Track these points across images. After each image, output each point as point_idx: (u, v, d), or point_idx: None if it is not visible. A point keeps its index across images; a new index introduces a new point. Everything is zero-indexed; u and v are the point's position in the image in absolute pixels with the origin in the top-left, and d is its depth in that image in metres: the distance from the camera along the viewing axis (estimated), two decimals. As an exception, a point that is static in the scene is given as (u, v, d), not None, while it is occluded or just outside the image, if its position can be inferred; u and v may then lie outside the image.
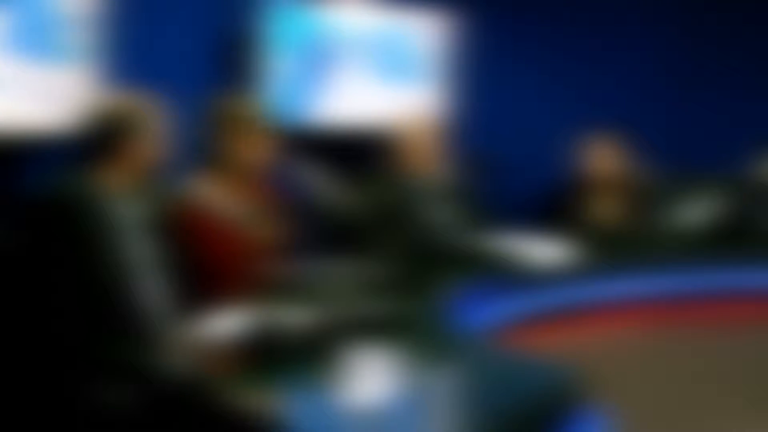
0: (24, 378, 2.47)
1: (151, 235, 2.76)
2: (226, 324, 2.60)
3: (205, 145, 3.21)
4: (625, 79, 5.47)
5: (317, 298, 2.96)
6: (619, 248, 4.51)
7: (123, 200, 2.72)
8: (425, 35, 4.79)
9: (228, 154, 3.18)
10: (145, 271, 2.66)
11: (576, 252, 4.06)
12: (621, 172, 4.95)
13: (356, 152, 4.44)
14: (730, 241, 4.75)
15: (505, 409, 2.28)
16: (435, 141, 4.25)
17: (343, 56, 4.50)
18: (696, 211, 4.95)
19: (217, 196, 3.18)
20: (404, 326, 2.85)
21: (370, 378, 2.31)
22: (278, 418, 2.13)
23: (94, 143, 2.77)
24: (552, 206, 4.88)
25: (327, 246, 3.85)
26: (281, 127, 3.97)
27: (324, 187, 4.25)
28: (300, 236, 3.46)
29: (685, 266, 4.34)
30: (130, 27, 3.70)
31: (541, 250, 3.96)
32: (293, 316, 2.67)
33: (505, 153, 5.02)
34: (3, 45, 3.33)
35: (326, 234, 4.04)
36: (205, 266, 3.01)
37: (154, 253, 2.73)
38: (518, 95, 5.19)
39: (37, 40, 3.43)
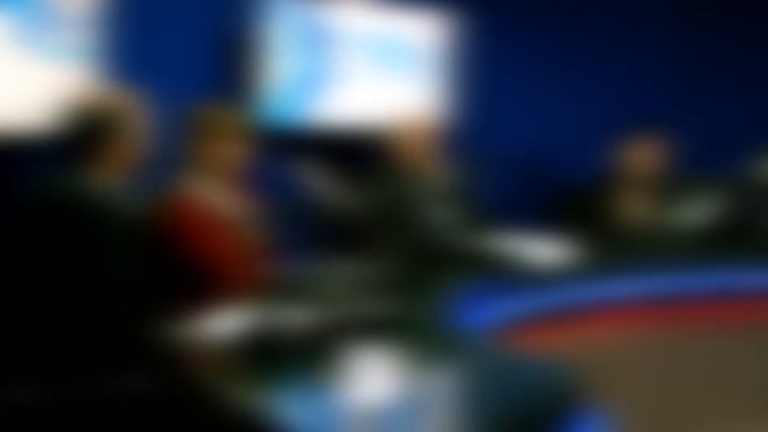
0: (24, 377, 2.47)
1: (146, 234, 2.76)
2: (225, 324, 2.60)
3: (189, 148, 3.23)
4: (625, 78, 5.48)
5: (317, 298, 2.96)
6: (623, 248, 4.51)
7: (113, 199, 2.72)
8: (425, 35, 4.78)
9: (206, 159, 3.20)
10: (140, 270, 2.66)
11: (578, 252, 4.05)
12: (651, 169, 4.96)
13: (356, 152, 4.44)
14: (730, 241, 4.75)
15: (505, 409, 2.28)
16: (434, 141, 4.25)
17: (343, 56, 4.50)
18: (696, 211, 4.94)
19: (216, 197, 3.18)
20: (404, 326, 2.85)
21: (370, 378, 2.31)
22: (278, 418, 2.13)
23: (77, 141, 2.77)
24: (558, 205, 4.87)
25: (327, 246, 3.85)
26: (280, 127, 3.98)
27: (324, 187, 4.25)
28: (300, 236, 3.46)
29: (685, 266, 4.33)
30: (128, 27, 3.70)
31: (541, 250, 3.96)
32: (293, 316, 2.67)
33: (507, 154, 5.02)
34: (1, 44, 3.33)
35: (326, 234, 4.04)
36: (205, 266, 3.01)
37: (148, 252, 2.73)
38: (518, 95, 5.19)
39: (35, 39, 3.43)
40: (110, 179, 2.77)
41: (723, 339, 4.00)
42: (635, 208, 4.91)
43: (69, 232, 2.63)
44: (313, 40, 4.40)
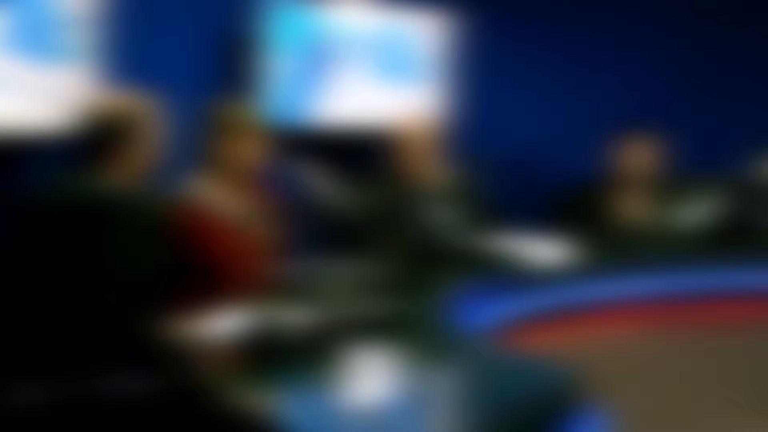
0: (27, 377, 2.47)
1: (151, 235, 2.76)
2: (226, 324, 2.60)
3: (203, 147, 3.23)
4: (625, 79, 5.47)
5: (317, 298, 2.96)
6: (623, 248, 4.51)
7: (122, 200, 2.73)
8: (426, 35, 4.78)
9: (224, 157, 3.20)
10: (145, 270, 2.66)
11: (578, 252, 4.05)
12: (650, 169, 4.96)
13: (356, 153, 4.44)
14: (730, 241, 4.75)
15: (505, 409, 2.28)
16: (435, 141, 4.25)
17: (344, 56, 4.50)
18: (696, 211, 4.94)
19: (217, 197, 3.18)
20: (404, 326, 2.85)
21: (370, 378, 2.31)
22: (278, 418, 2.13)
23: (93, 143, 2.77)
24: (557, 206, 4.87)
25: (327, 246, 3.85)
26: (280, 127, 3.98)
27: (324, 187, 4.25)
28: (300, 236, 3.46)
29: (685, 266, 4.33)
30: (129, 27, 3.70)
31: (541, 250, 3.96)
32: (293, 316, 2.67)
33: (507, 154, 5.02)
34: (3, 45, 3.33)
35: (326, 234, 4.04)
36: (206, 266, 3.01)
37: (154, 253, 2.73)
38: (519, 95, 5.19)
39: (36, 40, 3.43)
40: (125, 181, 2.77)
41: (723, 339, 4.00)
42: (635, 208, 4.92)
43: (80, 233, 2.63)
44: (314, 40, 4.40)
